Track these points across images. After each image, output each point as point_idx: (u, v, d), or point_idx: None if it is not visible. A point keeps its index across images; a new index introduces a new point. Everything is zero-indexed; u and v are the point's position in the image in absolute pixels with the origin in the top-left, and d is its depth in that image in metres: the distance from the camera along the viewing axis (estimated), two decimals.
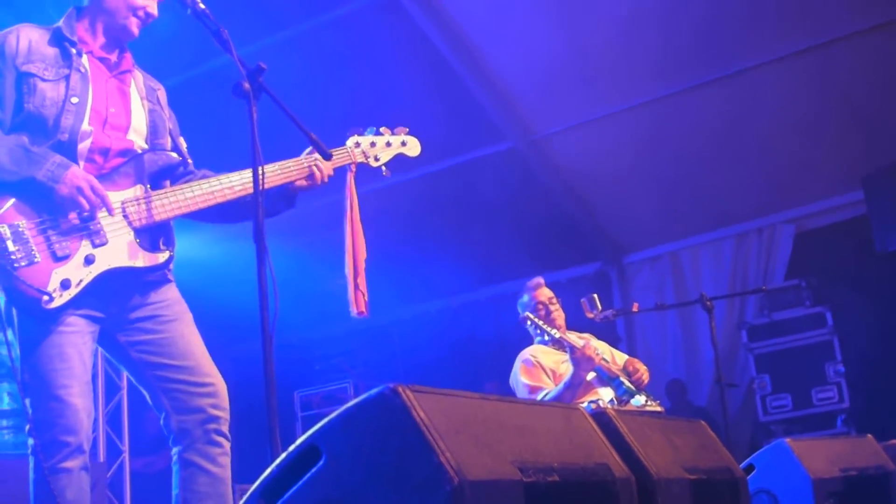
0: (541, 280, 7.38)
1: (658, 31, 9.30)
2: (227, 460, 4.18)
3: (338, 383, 11.55)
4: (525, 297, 7.29)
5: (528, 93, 10.16)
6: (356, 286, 4.65)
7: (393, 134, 4.87)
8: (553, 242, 11.67)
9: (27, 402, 3.90)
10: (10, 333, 3.98)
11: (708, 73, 9.73)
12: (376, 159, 4.77)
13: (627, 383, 6.75)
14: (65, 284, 3.87)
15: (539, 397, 6.68)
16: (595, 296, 7.38)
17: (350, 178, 4.68)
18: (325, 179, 4.49)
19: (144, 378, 4.20)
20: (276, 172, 4.35)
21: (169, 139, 4.45)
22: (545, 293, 7.25)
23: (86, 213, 3.95)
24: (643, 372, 6.92)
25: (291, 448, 2.70)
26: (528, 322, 7.02)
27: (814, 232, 11.03)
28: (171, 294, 4.29)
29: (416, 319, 12.42)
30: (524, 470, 2.68)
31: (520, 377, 6.92)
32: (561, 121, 10.48)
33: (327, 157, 4.06)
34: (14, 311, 3.93)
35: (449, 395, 2.73)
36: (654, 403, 6.75)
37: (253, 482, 2.79)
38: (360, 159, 4.72)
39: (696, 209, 11.20)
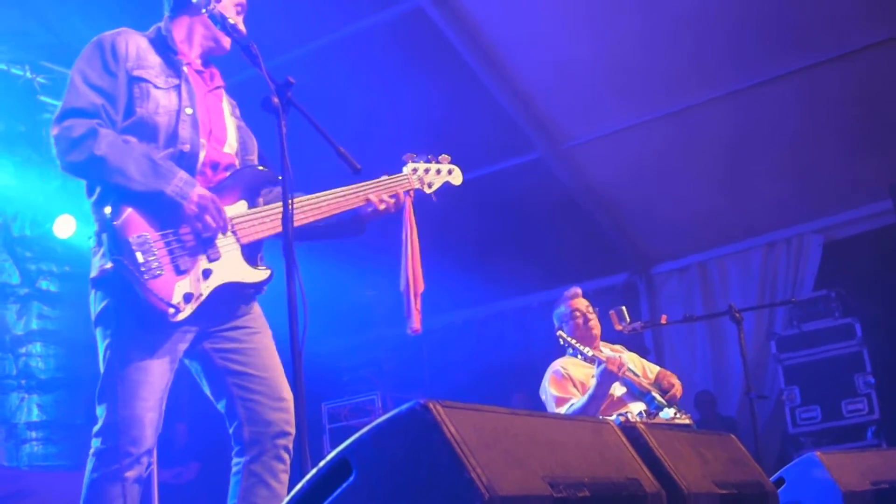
0: (578, 290, 7.34)
1: (686, 41, 9.28)
2: (286, 477, 4.24)
3: (365, 395, 11.54)
4: (561, 307, 7.24)
5: (555, 103, 10.15)
6: (414, 304, 4.78)
7: (438, 162, 4.98)
8: (581, 253, 11.64)
9: (103, 406, 4.01)
10: (98, 332, 4.13)
11: (735, 82, 9.70)
12: (429, 186, 4.92)
13: (659, 398, 6.72)
14: (187, 298, 3.97)
15: (565, 408, 6.67)
16: (623, 308, 7.34)
17: (408, 203, 4.78)
18: (388, 205, 4.62)
19: (224, 385, 4.26)
20: (332, 203, 4.47)
21: (256, 155, 4.60)
22: (582, 302, 7.21)
23: (208, 234, 4.07)
24: (677, 388, 6.88)
25: (322, 463, 2.71)
26: (561, 340, 7.00)
27: (842, 242, 10.98)
28: (256, 308, 4.41)
29: (443, 330, 12.41)
30: (554, 485, 2.67)
31: (549, 388, 6.91)
32: (589, 131, 10.46)
33: (356, 170, 4.08)
34: (114, 315, 4.01)
35: (479, 410, 2.73)
36: (683, 416, 6.72)
37: None
38: (417, 185, 4.85)
39: (724, 219, 11.16)
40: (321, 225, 4.45)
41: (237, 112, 4.62)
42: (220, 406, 4.30)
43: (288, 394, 4.25)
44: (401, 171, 4.84)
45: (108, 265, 3.90)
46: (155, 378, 4.01)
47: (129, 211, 3.93)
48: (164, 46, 4.32)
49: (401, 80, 9.70)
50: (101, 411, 4.02)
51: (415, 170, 4.87)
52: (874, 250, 10.52)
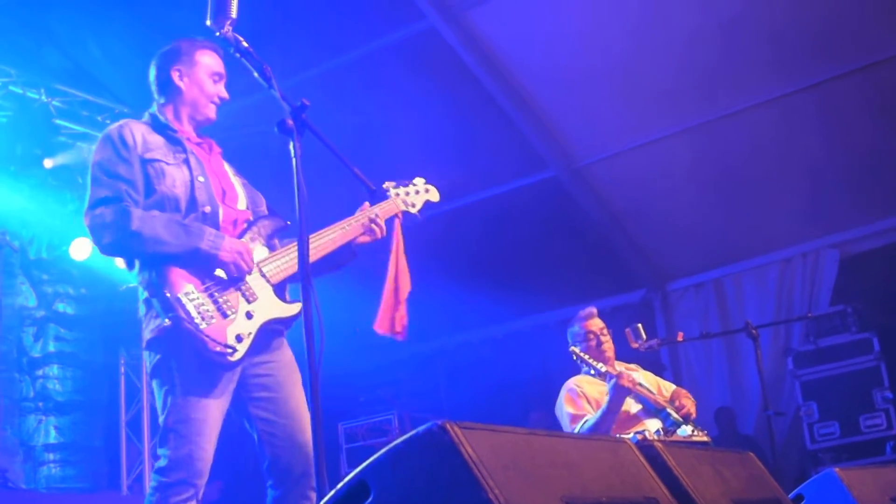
0: (593, 310, 7.34)
1: (698, 57, 9.29)
2: None
3: (382, 415, 11.52)
4: (576, 327, 7.24)
5: (569, 121, 10.17)
6: (393, 311, 5.08)
7: (414, 185, 5.39)
8: (596, 271, 11.63)
9: (166, 447, 4.31)
10: (155, 384, 4.46)
11: (749, 98, 9.71)
12: (413, 206, 5.29)
13: (675, 415, 6.71)
14: (239, 338, 4.34)
15: (579, 425, 6.67)
16: (639, 325, 7.32)
17: (397, 224, 5.16)
18: (385, 232, 5.00)
19: (255, 428, 4.61)
20: (338, 233, 4.81)
21: (265, 207, 4.95)
22: (596, 323, 7.21)
23: (242, 276, 4.46)
24: (690, 406, 6.87)
25: (340, 485, 2.71)
26: (575, 356, 7.01)
27: (858, 257, 10.93)
28: (287, 353, 4.74)
29: (459, 349, 12.41)
30: None
31: (564, 406, 6.92)
32: (603, 149, 10.48)
33: (371, 192, 4.20)
34: (174, 366, 4.34)
35: (497, 431, 2.73)
36: (700, 433, 6.71)
37: None
38: (403, 208, 5.22)
39: (739, 235, 11.14)
40: (322, 261, 4.74)
41: (238, 173, 4.99)
42: (255, 439, 4.65)
43: (309, 437, 4.52)
44: (386, 199, 5.17)
45: (166, 322, 4.24)
46: (214, 416, 4.38)
47: (172, 272, 4.30)
48: (161, 127, 4.72)
49: (415, 100, 9.73)
50: (164, 451, 4.32)
51: (397, 194, 5.24)
52: (891, 264, 10.48)
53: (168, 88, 4.81)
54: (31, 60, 9.92)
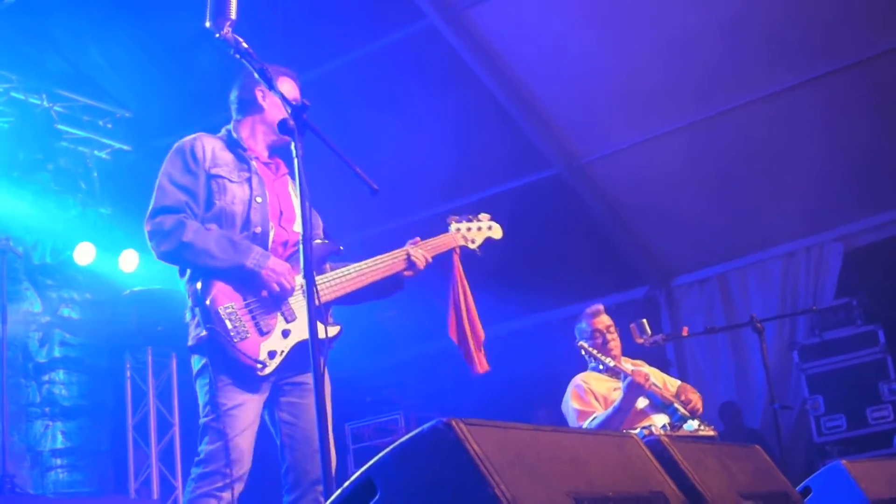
0: (600, 307, 7.34)
1: (698, 54, 9.28)
2: None
3: (389, 415, 11.53)
4: (583, 324, 7.25)
5: (571, 119, 10.16)
6: (473, 350, 5.41)
7: (479, 220, 5.60)
8: (600, 267, 11.62)
9: (205, 440, 4.60)
10: (197, 384, 4.75)
11: (750, 93, 9.69)
12: (472, 242, 5.52)
13: (682, 409, 6.71)
14: (271, 355, 4.58)
15: (587, 421, 6.67)
16: (644, 321, 7.32)
17: (456, 259, 5.41)
18: (428, 262, 5.16)
19: (278, 432, 4.86)
20: (379, 268, 4.99)
21: (321, 230, 5.13)
22: (603, 321, 7.21)
23: (285, 296, 4.67)
24: (696, 401, 6.87)
25: (347, 483, 2.71)
26: (583, 351, 7.02)
27: (862, 249, 10.91)
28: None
29: None
30: (579, 500, 2.67)
31: (570, 402, 6.92)
32: (605, 146, 10.47)
33: (374, 192, 4.17)
34: (211, 371, 4.61)
35: (502, 428, 2.73)
36: (707, 428, 6.70)
37: None
38: (462, 243, 5.46)
39: (742, 230, 11.12)
40: (366, 289, 4.98)
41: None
42: (278, 444, 4.88)
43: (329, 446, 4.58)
44: (447, 231, 5.41)
45: (203, 333, 4.53)
46: (248, 416, 4.62)
47: (216, 285, 4.57)
48: (234, 145, 4.98)
49: (416, 100, 9.73)
50: (201, 446, 4.61)
51: (458, 229, 5.46)
52: (895, 257, 10.46)
53: (250, 107, 5.07)
54: (32, 66, 9.94)
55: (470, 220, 5.53)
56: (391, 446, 2.66)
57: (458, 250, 5.40)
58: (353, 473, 2.72)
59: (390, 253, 5.04)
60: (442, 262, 5.36)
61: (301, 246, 3.92)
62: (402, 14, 9.25)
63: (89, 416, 11.04)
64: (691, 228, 11.26)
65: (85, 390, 11.05)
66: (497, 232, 5.66)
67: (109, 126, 10.76)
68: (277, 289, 4.62)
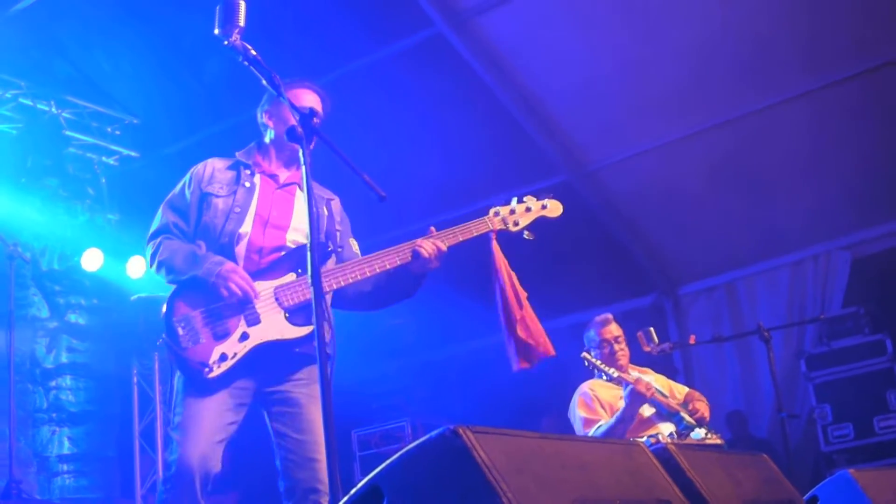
0: (609, 316, 7.33)
1: (706, 62, 9.28)
2: None
3: (395, 422, 11.51)
4: (591, 332, 7.25)
5: (579, 126, 10.15)
6: (518, 340, 5.27)
7: (523, 202, 5.22)
8: (607, 275, 11.60)
9: (168, 449, 4.76)
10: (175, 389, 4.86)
11: (757, 101, 9.68)
12: (515, 224, 5.15)
13: (688, 418, 6.70)
14: (222, 357, 4.65)
15: (593, 429, 6.67)
16: (651, 329, 7.32)
17: (495, 246, 5.12)
18: (438, 251, 4.90)
19: (273, 442, 4.87)
20: (380, 261, 4.83)
21: (331, 242, 5.06)
22: (612, 331, 7.20)
23: (235, 300, 4.69)
24: (703, 409, 6.87)
25: (353, 491, 2.71)
26: (586, 362, 7.02)
27: (870, 258, 10.89)
28: (313, 373, 4.82)
29: (471, 355, 12.37)
30: None
31: (577, 410, 6.92)
32: (613, 153, 10.46)
33: (381, 199, 4.14)
34: (180, 378, 4.75)
35: (509, 435, 2.73)
36: (714, 436, 6.69)
37: None
38: (500, 226, 5.11)
39: (750, 238, 11.10)
40: (381, 290, 5.03)
41: (331, 205, 5.19)
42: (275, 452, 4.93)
43: (322, 455, 4.59)
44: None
45: (159, 341, 4.77)
46: (208, 423, 4.65)
47: (181, 296, 4.73)
48: (237, 163, 5.08)
49: (423, 107, 9.74)
50: (167, 454, 4.76)
51: (497, 213, 5.12)
52: None
53: (261, 128, 5.18)
54: (40, 72, 9.96)
55: (510, 203, 5.16)
56: (398, 453, 2.66)
57: (494, 235, 5.09)
58: (360, 481, 2.72)
59: (396, 246, 4.85)
60: (462, 259, 5.19)
61: (308, 253, 3.82)
62: (410, 22, 9.25)
63: (96, 422, 11.06)
64: (699, 236, 11.25)
65: (92, 396, 11.07)
66: (554, 209, 5.31)
67: (118, 132, 10.78)
68: (226, 293, 4.67)
